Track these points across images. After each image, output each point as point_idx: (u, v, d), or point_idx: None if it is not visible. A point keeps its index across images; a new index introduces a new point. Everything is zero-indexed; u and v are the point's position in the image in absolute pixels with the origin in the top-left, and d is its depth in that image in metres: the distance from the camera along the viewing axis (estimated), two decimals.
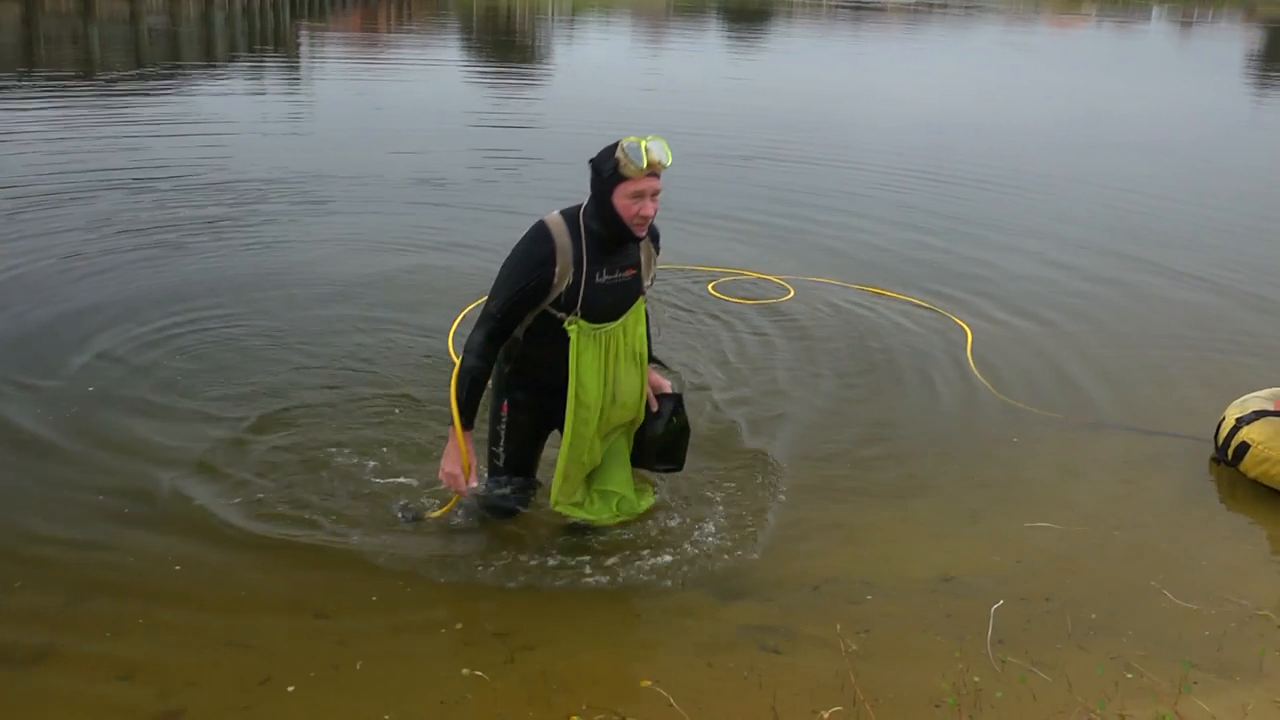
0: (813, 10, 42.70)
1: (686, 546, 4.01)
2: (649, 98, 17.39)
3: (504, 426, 3.85)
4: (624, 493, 3.98)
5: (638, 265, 3.68)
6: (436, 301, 6.72)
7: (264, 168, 10.22)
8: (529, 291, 3.50)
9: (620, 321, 3.67)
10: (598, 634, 3.63)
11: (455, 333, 5.99)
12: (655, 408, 3.95)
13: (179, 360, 5.62)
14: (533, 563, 3.92)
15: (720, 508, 4.31)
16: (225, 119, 12.97)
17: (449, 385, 3.68)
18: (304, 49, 23.10)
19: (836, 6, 43.56)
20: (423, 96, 15.79)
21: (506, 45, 26.32)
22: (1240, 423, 4.90)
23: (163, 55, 19.87)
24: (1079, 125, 16.56)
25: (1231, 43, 39.93)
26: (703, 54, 26.08)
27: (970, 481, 4.89)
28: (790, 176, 11.12)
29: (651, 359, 3.95)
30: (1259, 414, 4.90)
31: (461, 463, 3.68)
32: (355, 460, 4.57)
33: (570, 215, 3.54)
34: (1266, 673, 3.54)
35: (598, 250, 3.53)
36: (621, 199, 3.43)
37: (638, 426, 3.97)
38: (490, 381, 3.74)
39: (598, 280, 3.55)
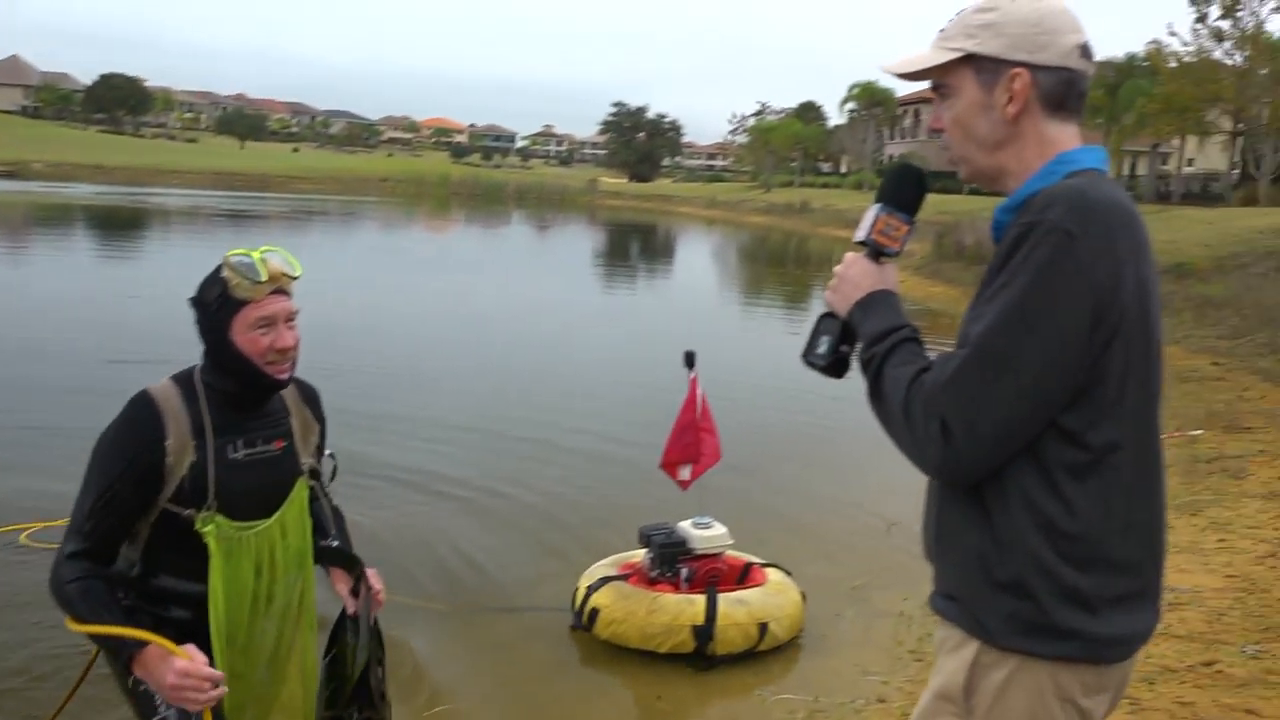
0: (191, 218, 41.94)
1: None
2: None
3: (146, 692, 2.56)
4: None
5: (289, 435, 2.80)
6: None
7: None
8: (132, 482, 2.54)
9: (276, 518, 2.72)
10: None
11: None
12: (352, 609, 2.88)
13: None
14: None
15: None
16: None
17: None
18: None
19: (214, 215, 43.17)
20: None
21: None
22: (590, 590, 5.51)
23: None
24: (460, 320, 17.79)
25: (580, 241, 45.69)
26: (69, 263, 24.36)
27: None
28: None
29: (338, 555, 2.98)
30: (604, 580, 5.55)
31: (179, 659, 2.42)
32: None
33: (182, 376, 2.71)
34: None
35: (226, 413, 2.66)
36: (243, 333, 2.58)
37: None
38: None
39: (231, 456, 2.65)
